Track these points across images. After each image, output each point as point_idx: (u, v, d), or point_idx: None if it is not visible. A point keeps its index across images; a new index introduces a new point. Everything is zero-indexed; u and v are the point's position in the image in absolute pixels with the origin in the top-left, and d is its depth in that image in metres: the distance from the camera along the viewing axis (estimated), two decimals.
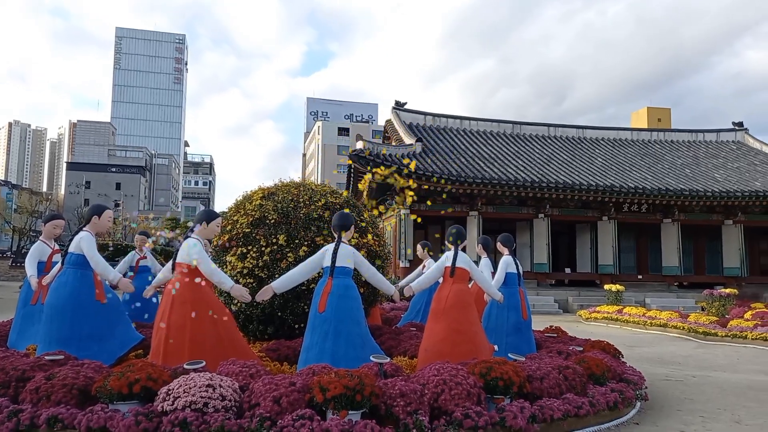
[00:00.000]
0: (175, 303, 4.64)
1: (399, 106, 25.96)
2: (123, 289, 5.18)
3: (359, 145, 19.05)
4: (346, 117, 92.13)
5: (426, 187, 19.93)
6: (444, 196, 20.63)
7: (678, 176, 23.46)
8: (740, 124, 30.25)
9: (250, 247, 6.24)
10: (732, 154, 27.44)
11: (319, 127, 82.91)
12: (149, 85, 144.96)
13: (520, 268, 6.40)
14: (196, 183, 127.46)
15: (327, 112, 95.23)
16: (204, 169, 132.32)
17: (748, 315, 13.37)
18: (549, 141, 26.60)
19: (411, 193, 7.31)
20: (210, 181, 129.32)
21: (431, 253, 8.69)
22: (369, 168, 18.85)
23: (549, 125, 27.76)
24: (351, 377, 3.77)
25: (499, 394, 4.21)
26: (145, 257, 7.98)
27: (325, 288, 4.83)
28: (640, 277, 23.41)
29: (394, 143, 24.17)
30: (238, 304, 6.08)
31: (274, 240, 6.22)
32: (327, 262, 4.93)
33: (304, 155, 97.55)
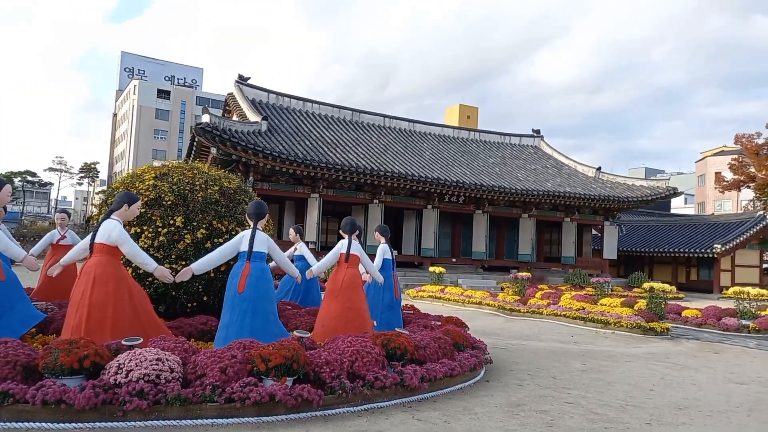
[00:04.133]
0: (96, 282, 4.74)
1: (242, 81, 25.57)
2: (28, 266, 5.02)
3: (205, 118, 18.57)
4: (167, 79, 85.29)
5: (269, 167, 20.26)
6: (287, 177, 21.15)
7: (490, 174, 26.99)
8: (538, 131, 35.49)
9: (144, 227, 6.32)
10: (531, 157, 32.22)
11: (135, 86, 75.84)
12: None
13: (393, 254, 7.44)
14: None
15: (144, 71, 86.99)
16: None
17: (538, 295, 16.39)
18: (385, 131, 28.48)
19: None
20: None
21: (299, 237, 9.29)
22: (216, 141, 18.58)
23: (385, 116, 29.66)
24: (288, 349, 4.41)
25: (396, 360, 5.18)
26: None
27: (243, 271, 5.31)
28: (454, 260, 26.59)
29: (236, 118, 23.84)
30: None
31: (171, 221, 6.38)
32: (244, 248, 5.39)
33: (115, 115, 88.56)
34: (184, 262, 6.19)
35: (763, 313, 13.11)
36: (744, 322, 12.19)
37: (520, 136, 34.82)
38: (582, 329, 11.42)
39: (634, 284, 25.98)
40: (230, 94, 25.49)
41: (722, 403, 5.60)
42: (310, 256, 8.71)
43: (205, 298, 6.64)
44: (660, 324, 11.05)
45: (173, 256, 6.32)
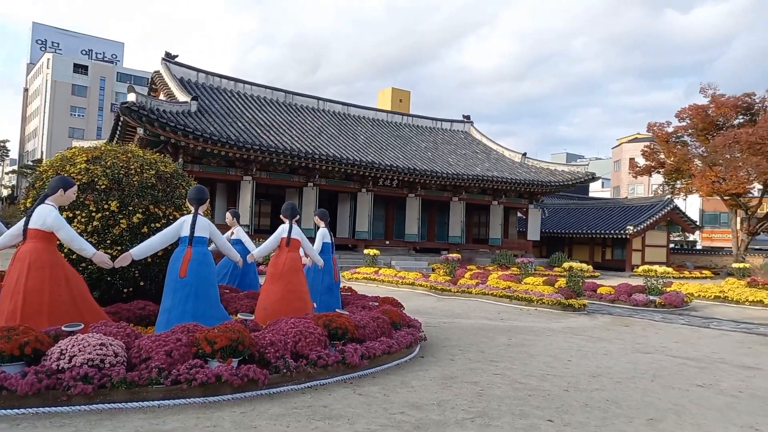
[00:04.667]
0: (31, 268, 4.64)
1: (170, 58, 24.62)
2: None
3: (131, 97, 17.81)
4: (84, 53, 79.96)
5: (200, 148, 19.79)
6: (218, 159, 20.73)
7: (422, 158, 27.57)
8: (468, 117, 36.49)
9: (77, 212, 6.17)
10: (461, 142, 33.13)
11: (48, 60, 70.83)
12: None
13: (332, 238, 7.64)
14: None
15: (59, 44, 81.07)
16: None
17: (468, 275, 17.10)
18: (319, 114, 28.35)
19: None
20: None
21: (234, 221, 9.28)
22: (143, 122, 17.93)
23: (319, 99, 29.50)
24: (233, 331, 4.53)
25: (337, 339, 5.41)
26: None
27: (185, 256, 5.33)
28: (387, 242, 27.08)
29: (162, 97, 23.00)
30: None
31: (106, 206, 6.26)
32: (185, 232, 5.41)
33: (26, 90, 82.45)
34: (119, 248, 6.12)
35: (668, 290, 14.37)
36: (651, 297, 13.33)
37: (451, 121, 35.65)
38: (508, 307, 12.12)
39: (555, 264, 27.50)
40: (157, 72, 24.50)
41: (630, 371, 6.24)
42: (247, 240, 8.73)
43: (141, 283, 6.58)
44: (578, 301, 11.91)
45: (108, 242, 6.22)
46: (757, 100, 31.56)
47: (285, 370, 4.67)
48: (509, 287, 13.22)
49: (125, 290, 6.51)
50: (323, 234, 7.46)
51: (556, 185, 29.63)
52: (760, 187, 31.28)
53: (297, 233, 6.45)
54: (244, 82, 26.99)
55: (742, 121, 31.80)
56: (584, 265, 14.42)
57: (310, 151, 21.94)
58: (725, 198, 31.48)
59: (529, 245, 31.29)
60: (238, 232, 8.93)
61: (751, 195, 32.17)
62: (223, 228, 9.39)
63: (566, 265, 14.63)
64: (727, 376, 6.14)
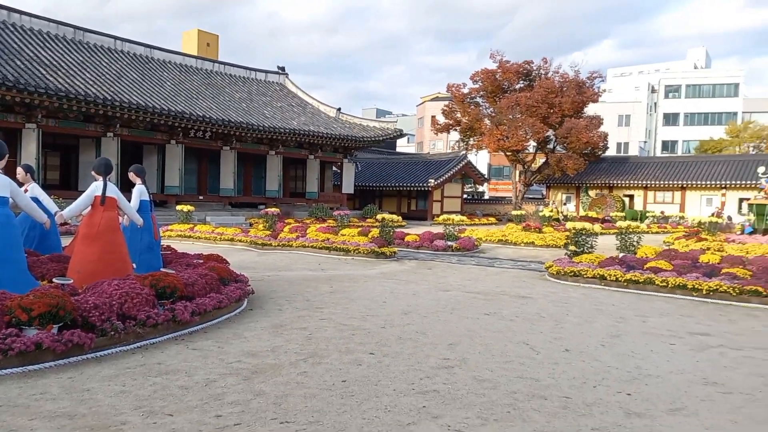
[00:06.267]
0: None
1: None
2: None
3: None
4: None
5: None
6: None
7: (237, 109, 26.70)
8: (282, 68, 35.93)
9: None
10: (276, 95, 32.67)
11: None
12: None
13: (150, 194, 7.33)
14: None
15: None
16: None
17: (287, 229, 17.45)
18: (117, 55, 25.53)
19: None
20: None
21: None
22: None
23: (116, 38, 26.48)
24: (52, 297, 4.29)
25: (166, 298, 5.39)
26: None
27: None
28: (201, 197, 26.02)
29: None
30: None
31: None
32: None
33: None
34: None
35: (462, 235, 16.43)
36: (449, 243, 15.14)
37: (266, 72, 34.82)
38: (327, 257, 12.81)
39: (368, 215, 29.20)
40: None
41: (434, 306, 7.26)
42: (46, 198, 7.90)
43: None
44: (389, 248, 13.07)
45: None
46: (535, 68, 36.42)
47: (113, 332, 4.58)
48: (328, 239, 13.91)
49: None
50: (140, 191, 7.13)
51: (369, 140, 31.09)
52: (535, 144, 36.53)
53: (113, 191, 6.11)
54: (21, 12, 23.00)
55: (522, 86, 36.50)
56: (394, 216, 15.72)
57: (109, 97, 19.84)
58: (507, 154, 36.18)
59: (344, 198, 32.60)
60: (33, 189, 8.01)
61: (528, 152, 37.40)
62: None
63: (379, 216, 15.76)
64: (507, 305, 7.50)
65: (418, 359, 4.76)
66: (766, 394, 4.11)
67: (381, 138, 31.77)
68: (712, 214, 27.23)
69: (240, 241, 15.39)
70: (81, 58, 22.81)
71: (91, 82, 20.66)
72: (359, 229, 16.52)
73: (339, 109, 33.19)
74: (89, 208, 6.05)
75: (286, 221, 22.22)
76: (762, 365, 4.90)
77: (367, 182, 36.64)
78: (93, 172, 6.19)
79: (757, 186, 21.94)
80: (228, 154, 26.11)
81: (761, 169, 21.74)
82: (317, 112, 32.20)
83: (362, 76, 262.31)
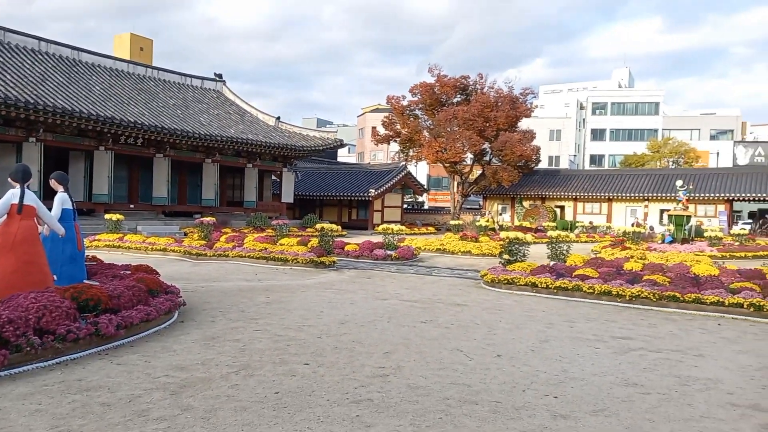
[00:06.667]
0: None
1: None
2: None
3: None
4: None
5: None
6: None
7: (171, 116, 25.89)
8: (220, 75, 35.19)
9: None
10: (213, 102, 31.94)
11: None
12: None
13: (74, 203, 6.98)
14: None
15: None
16: None
17: (223, 239, 17.02)
18: (41, 57, 24.21)
19: None
20: None
21: None
22: None
23: (40, 39, 25.11)
24: None
25: (89, 311, 5.13)
26: None
27: None
28: (132, 206, 24.98)
29: None
30: None
31: None
32: None
33: None
34: None
35: (402, 244, 16.57)
36: (389, 252, 15.24)
37: (203, 78, 34.00)
38: (265, 267, 12.59)
39: (308, 225, 28.91)
40: None
41: (371, 315, 7.27)
42: None
43: None
44: (328, 258, 13.00)
45: None
46: (471, 83, 37.44)
47: (28, 348, 4.31)
48: (266, 249, 13.67)
49: None
50: (62, 199, 6.77)
51: (309, 150, 30.89)
52: (472, 156, 37.45)
53: (31, 199, 5.76)
54: None
55: (459, 99, 37.42)
56: (334, 226, 15.66)
57: (31, 101, 18.75)
58: (446, 165, 36.91)
59: (283, 207, 32.17)
60: None
61: (465, 163, 38.29)
62: None
63: (318, 226, 15.67)
64: (443, 313, 7.62)
65: (353, 368, 4.75)
66: (681, 394, 4.37)
67: (321, 148, 31.65)
68: (633, 225, 28.90)
69: (173, 251, 14.88)
70: (1, 60, 21.47)
71: (12, 85, 19.48)
72: (299, 238, 16.35)
73: (278, 118, 32.83)
74: (5, 217, 5.68)
75: (222, 231, 21.65)
76: (678, 366, 5.21)
77: (308, 191, 36.37)
78: (10, 179, 5.82)
79: (676, 198, 23.39)
80: (161, 162, 25.23)
81: (679, 182, 23.22)
82: (256, 121, 31.72)
83: (304, 85, 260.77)
